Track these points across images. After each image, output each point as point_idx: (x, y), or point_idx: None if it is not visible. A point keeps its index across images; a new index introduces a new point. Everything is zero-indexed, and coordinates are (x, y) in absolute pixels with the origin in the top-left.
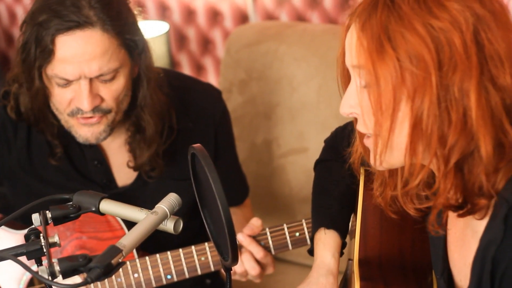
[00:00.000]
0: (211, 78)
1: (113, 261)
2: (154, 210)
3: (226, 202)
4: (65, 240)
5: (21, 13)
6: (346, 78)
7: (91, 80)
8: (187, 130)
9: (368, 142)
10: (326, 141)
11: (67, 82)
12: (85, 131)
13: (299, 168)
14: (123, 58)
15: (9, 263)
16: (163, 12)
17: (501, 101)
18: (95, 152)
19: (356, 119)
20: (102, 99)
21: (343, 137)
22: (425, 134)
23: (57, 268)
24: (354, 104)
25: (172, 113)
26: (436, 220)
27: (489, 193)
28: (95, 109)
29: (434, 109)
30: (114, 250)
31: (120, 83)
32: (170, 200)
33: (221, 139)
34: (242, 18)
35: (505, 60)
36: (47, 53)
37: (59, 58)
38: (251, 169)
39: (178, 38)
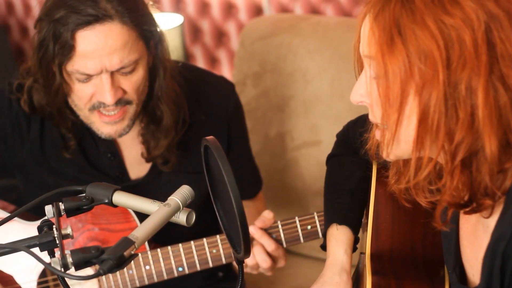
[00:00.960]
0: (225, 70)
1: (126, 253)
2: (166, 202)
3: (239, 195)
4: (77, 232)
5: (35, 4)
6: (361, 66)
7: (112, 73)
8: (199, 123)
9: (378, 134)
10: (338, 136)
11: (88, 77)
12: (108, 129)
13: (312, 161)
14: (142, 49)
15: (22, 254)
16: (178, 5)
17: (510, 100)
18: (109, 145)
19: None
20: (124, 91)
21: (354, 131)
22: (432, 129)
23: (69, 259)
24: (364, 93)
25: (185, 105)
26: (441, 217)
27: (494, 193)
28: (118, 102)
29: (441, 105)
30: (127, 242)
31: (140, 74)
32: (183, 192)
33: (234, 132)
34: (257, 10)
35: None
36: (67, 49)
37: (80, 53)
38: (264, 162)
39: (192, 31)
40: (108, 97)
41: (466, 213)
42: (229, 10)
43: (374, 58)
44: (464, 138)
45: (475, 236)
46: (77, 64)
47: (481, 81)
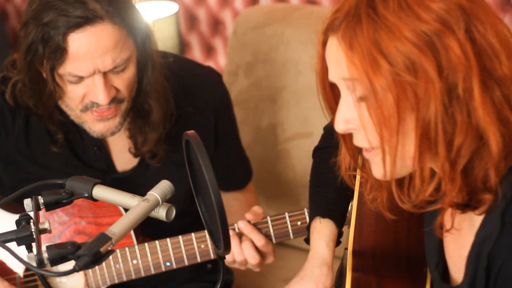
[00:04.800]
0: (221, 59)
1: (102, 249)
2: (145, 197)
3: (218, 190)
4: (64, 225)
5: None
6: (329, 95)
7: (105, 73)
8: (187, 115)
9: (370, 155)
10: (325, 128)
11: (80, 79)
12: (100, 127)
13: (303, 152)
14: (132, 47)
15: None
16: None
17: (502, 94)
18: (94, 139)
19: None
20: (117, 90)
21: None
22: (433, 142)
23: (45, 255)
24: (350, 119)
25: (171, 98)
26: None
27: (494, 187)
28: (111, 101)
29: (442, 115)
30: (104, 238)
31: (131, 71)
32: (163, 187)
33: (221, 123)
34: None
35: (499, 51)
36: (59, 53)
37: (73, 56)
38: (256, 153)
39: (188, 19)
40: (102, 98)
41: (464, 212)
42: None
43: (358, 79)
44: (464, 141)
45: (459, 233)
46: (70, 67)
47: (475, 80)
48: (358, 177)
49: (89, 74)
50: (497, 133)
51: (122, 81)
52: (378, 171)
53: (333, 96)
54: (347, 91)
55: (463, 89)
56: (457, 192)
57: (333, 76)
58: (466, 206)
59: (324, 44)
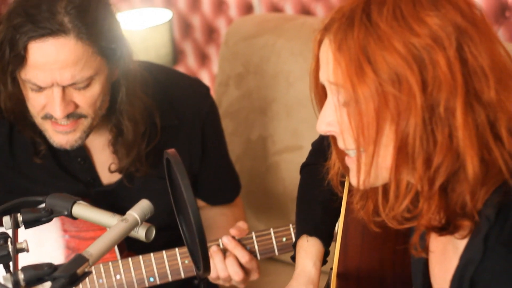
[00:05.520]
0: (215, 67)
1: (79, 271)
2: (124, 217)
3: (198, 211)
4: (49, 240)
5: None
6: (320, 95)
7: (64, 87)
8: (173, 127)
9: (350, 162)
10: (313, 144)
11: (40, 88)
12: (59, 138)
13: (293, 166)
14: (99, 65)
15: None
16: (168, 0)
17: (486, 118)
18: (79, 149)
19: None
20: (77, 105)
21: (330, 140)
22: (411, 156)
23: (21, 276)
24: (332, 122)
25: (156, 114)
26: (420, 243)
27: (472, 214)
28: (69, 115)
29: (420, 131)
30: (80, 259)
31: (95, 90)
32: (142, 207)
33: (208, 136)
34: (247, 7)
35: (489, 74)
36: (20, 59)
37: (32, 64)
38: (245, 165)
39: (182, 26)
40: (58, 111)
41: (441, 235)
42: (220, 6)
43: (343, 86)
44: (443, 161)
45: (445, 256)
46: (29, 74)
47: (458, 101)
48: (346, 185)
49: (47, 85)
50: (475, 158)
51: (84, 98)
52: (353, 179)
53: (324, 96)
54: (332, 95)
55: (445, 107)
56: (434, 212)
57: (321, 77)
58: (442, 229)
59: (320, 43)
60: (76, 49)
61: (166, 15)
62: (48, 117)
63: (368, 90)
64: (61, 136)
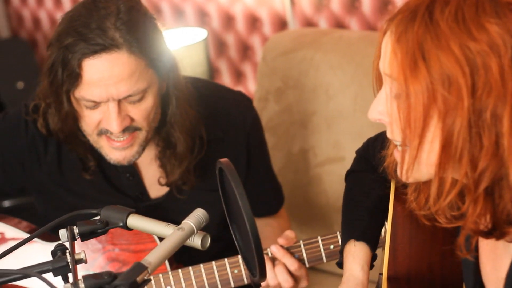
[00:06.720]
0: (251, 84)
1: (138, 279)
2: (180, 226)
3: (253, 219)
4: (97, 253)
5: None
6: (380, 82)
7: (119, 101)
8: (217, 140)
9: (396, 154)
10: (357, 152)
11: (95, 104)
12: (116, 155)
13: (335, 177)
14: (151, 78)
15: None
16: (202, 19)
17: None
18: (127, 165)
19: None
20: (132, 119)
21: (374, 147)
22: (456, 155)
23: (82, 286)
24: (383, 111)
25: (202, 127)
26: (465, 244)
27: None
28: (126, 129)
29: (465, 132)
30: (139, 268)
31: (148, 102)
32: (197, 215)
33: (253, 148)
34: (281, 23)
35: None
36: (74, 77)
37: (86, 81)
38: (287, 179)
39: (217, 45)
40: (114, 126)
41: (488, 238)
42: (254, 23)
43: (396, 79)
44: (488, 166)
45: (495, 253)
46: (84, 92)
47: (507, 109)
48: (392, 191)
49: (103, 100)
50: None
51: (139, 111)
52: (398, 170)
53: (382, 84)
54: (385, 85)
55: (492, 113)
56: (480, 216)
57: (380, 67)
58: (488, 234)
59: (384, 33)
60: (130, 62)
61: (201, 34)
62: (103, 132)
63: (419, 86)
64: (118, 152)
